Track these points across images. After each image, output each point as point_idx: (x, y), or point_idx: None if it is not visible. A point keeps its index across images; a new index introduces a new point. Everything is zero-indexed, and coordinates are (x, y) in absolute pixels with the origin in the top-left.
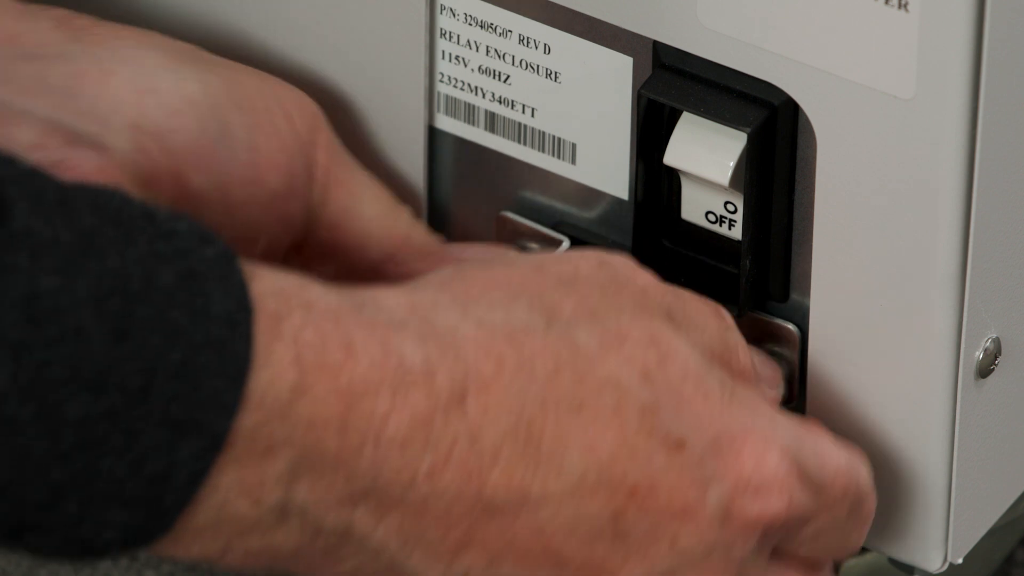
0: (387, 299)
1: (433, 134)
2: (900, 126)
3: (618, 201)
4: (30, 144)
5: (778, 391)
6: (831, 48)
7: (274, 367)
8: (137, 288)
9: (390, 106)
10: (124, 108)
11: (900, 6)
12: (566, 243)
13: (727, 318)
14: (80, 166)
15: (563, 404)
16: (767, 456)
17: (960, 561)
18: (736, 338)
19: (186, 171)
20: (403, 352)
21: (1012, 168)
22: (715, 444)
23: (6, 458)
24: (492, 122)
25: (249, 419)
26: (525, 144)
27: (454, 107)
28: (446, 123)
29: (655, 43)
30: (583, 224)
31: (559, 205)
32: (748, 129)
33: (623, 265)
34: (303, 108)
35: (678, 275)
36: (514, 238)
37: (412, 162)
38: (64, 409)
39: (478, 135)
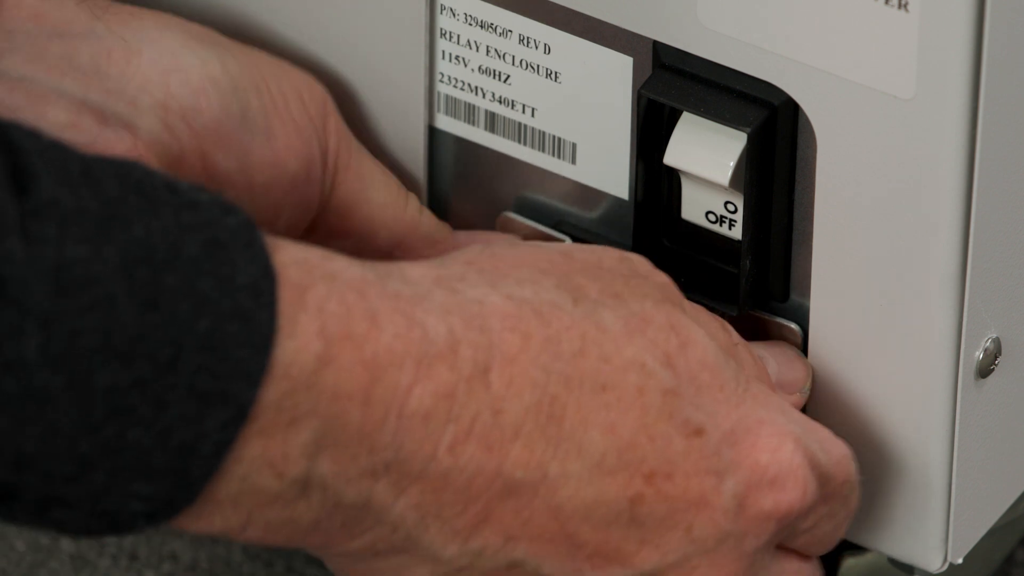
0: (413, 272)
1: (433, 134)
2: (900, 126)
3: (618, 201)
4: (63, 123)
5: (801, 394)
6: (831, 48)
7: (299, 337)
8: (164, 257)
9: (390, 106)
10: (151, 87)
11: (900, 6)
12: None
13: (735, 334)
14: (112, 147)
15: (587, 383)
16: (782, 447)
17: (960, 561)
18: (744, 354)
19: (212, 152)
20: (427, 324)
21: (1012, 168)
22: (731, 434)
23: (36, 430)
24: (492, 122)
25: (275, 389)
26: (525, 144)
27: (454, 107)
28: (446, 123)
29: (655, 43)
30: (583, 224)
31: (559, 205)
32: (748, 129)
33: (642, 263)
34: (313, 93)
35: (678, 275)
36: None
37: (412, 162)
38: (94, 379)
39: (478, 135)
